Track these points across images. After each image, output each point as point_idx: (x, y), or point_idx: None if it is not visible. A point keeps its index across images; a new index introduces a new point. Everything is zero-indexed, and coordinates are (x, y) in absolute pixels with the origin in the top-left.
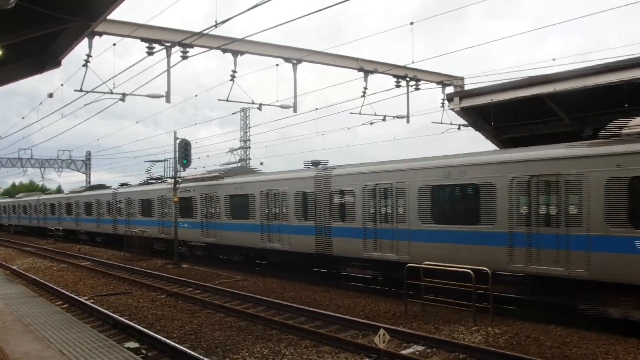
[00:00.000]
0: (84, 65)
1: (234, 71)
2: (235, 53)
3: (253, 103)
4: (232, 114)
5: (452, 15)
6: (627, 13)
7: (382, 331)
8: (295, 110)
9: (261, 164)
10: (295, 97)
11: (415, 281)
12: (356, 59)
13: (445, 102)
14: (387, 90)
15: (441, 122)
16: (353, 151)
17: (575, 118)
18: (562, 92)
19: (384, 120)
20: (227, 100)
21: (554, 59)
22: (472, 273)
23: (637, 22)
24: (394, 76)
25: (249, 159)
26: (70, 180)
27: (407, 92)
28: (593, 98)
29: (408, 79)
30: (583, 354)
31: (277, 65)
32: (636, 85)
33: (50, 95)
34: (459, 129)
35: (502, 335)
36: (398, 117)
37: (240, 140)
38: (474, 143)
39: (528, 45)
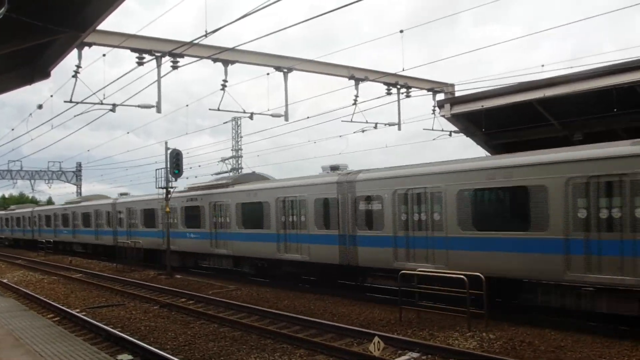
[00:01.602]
0: (73, 76)
1: (225, 80)
2: (225, 62)
3: (244, 112)
4: (224, 123)
5: (444, 21)
6: (618, 17)
7: (376, 339)
8: (287, 119)
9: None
10: (286, 105)
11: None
12: (347, 67)
13: (436, 109)
14: (378, 97)
15: (432, 129)
16: (345, 159)
17: (565, 123)
18: (551, 98)
19: (375, 127)
20: (219, 109)
21: (542, 65)
22: (465, 279)
23: (629, 26)
24: (385, 84)
25: (241, 168)
26: (61, 192)
27: (398, 100)
28: (583, 103)
29: (399, 87)
30: (578, 357)
31: (267, 74)
32: (624, 90)
33: (40, 107)
34: (450, 135)
35: (497, 340)
36: (389, 124)
37: (232, 150)
38: (466, 149)
39: (520, 51)
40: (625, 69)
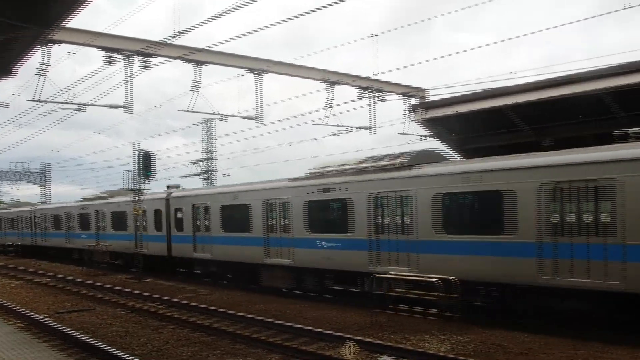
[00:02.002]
0: (37, 74)
1: (198, 81)
2: (198, 63)
3: (214, 114)
4: (194, 124)
5: (418, 27)
6: (589, 26)
7: (348, 342)
8: (261, 121)
9: (227, 175)
10: (257, 107)
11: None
12: (321, 71)
13: (408, 113)
14: (353, 101)
15: (403, 133)
16: (319, 162)
17: (535, 129)
18: (522, 104)
19: (347, 131)
20: (191, 111)
21: (514, 72)
22: (437, 282)
23: (598, 34)
24: (360, 88)
25: (215, 170)
26: (28, 194)
27: (370, 104)
28: (553, 110)
29: (374, 91)
30: (548, 359)
31: (238, 75)
32: (593, 98)
33: (4, 105)
34: (421, 139)
35: (469, 343)
36: (361, 128)
37: (202, 152)
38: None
39: (494, 58)
40: (590, 77)
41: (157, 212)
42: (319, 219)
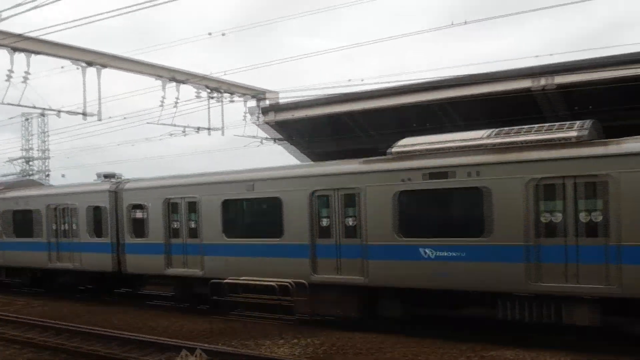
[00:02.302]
0: None
1: (10, 71)
2: (21, 51)
3: (35, 107)
4: (11, 118)
5: (264, 29)
6: (430, 41)
7: (184, 352)
8: (99, 118)
9: (62, 175)
10: (85, 104)
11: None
12: (162, 68)
13: (250, 115)
14: (189, 100)
15: (245, 135)
16: (167, 163)
17: (381, 134)
18: (367, 110)
19: (184, 132)
20: (17, 104)
21: (362, 80)
22: (276, 286)
23: (433, 49)
24: (207, 87)
25: (49, 170)
26: None
27: (210, 106)
28: (385, 117)
29: (221, 92)
30: (395, 357)
31: (62, 67)
32: (421, 108)
33: None
34: (262, 142)
35: (320, 345)
36: (200, 128)
37: (22, 149)
38: (282, 155)
39: (344, 64)
40: (426, 88)
41: (96, 211)
42: (422, 218)
